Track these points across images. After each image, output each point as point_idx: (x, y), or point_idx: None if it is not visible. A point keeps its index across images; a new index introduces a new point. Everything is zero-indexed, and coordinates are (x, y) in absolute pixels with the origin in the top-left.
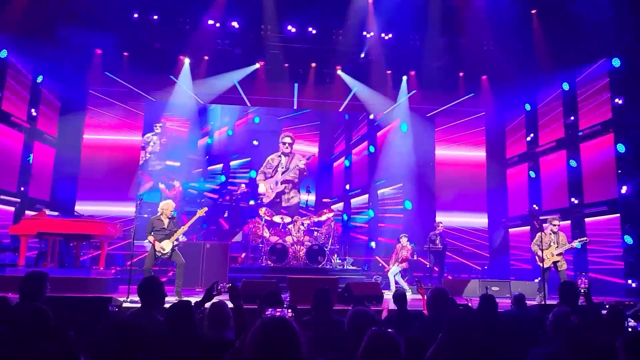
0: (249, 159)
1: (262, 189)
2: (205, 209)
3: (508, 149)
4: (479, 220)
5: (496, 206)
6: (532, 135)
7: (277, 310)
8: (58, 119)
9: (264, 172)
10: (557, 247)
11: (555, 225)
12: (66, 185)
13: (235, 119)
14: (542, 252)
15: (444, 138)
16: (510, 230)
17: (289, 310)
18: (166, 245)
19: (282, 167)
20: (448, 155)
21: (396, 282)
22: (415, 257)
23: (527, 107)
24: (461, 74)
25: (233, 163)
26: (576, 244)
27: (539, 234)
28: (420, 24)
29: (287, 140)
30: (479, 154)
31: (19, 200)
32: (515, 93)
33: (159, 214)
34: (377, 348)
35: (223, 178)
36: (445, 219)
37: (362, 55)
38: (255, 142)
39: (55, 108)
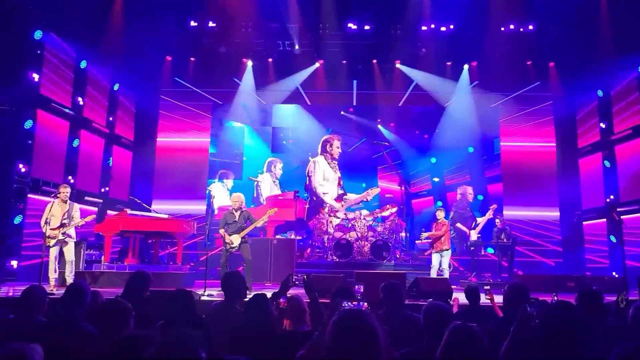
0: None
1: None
2: (276, 209)
3: (580, 138)
4: (550, 214)
5: (568, 198)
6: (606, 122)
7: (353, 303)
8: (134, 124)
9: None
10: None
11: None
12: (143, 185)
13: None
14: None
15: (509, 129)
16: (584, 223)
17: (365, 304)
18: (235, 240)
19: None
20: (514, 147)
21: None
22: (482, 252)
23: (600, 93)
24: (529, 63)
25: None
26: None
27: None
28: (481, 13)
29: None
30: (548, 144)
31: (101, 200)
32: (585, 79)
33: (231, 209)
34: (460, 342)
35: None
36: (513, 212)
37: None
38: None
39: (130, 113)
